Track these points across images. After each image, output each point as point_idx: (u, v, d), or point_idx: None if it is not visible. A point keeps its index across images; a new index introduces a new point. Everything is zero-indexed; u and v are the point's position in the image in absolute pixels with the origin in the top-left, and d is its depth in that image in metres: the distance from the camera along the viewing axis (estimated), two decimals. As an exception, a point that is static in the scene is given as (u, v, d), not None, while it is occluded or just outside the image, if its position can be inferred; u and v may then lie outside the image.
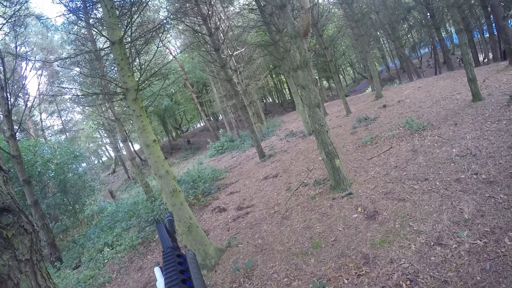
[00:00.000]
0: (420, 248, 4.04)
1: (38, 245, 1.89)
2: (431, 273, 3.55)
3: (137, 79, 6.09)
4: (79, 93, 16.39)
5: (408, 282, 3.56)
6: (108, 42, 6.09)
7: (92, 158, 50.56)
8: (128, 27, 6.43)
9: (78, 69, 15.92)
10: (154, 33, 9.89)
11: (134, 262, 7.98)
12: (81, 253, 10.17)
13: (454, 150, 6.57)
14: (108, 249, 9.11)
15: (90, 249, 9.90)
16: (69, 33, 13.79)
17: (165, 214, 1.10)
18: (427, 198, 5.14)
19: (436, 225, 4.36)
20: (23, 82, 21.06)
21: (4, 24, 10.48)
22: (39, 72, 25.82)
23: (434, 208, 4.79)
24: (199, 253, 5.84)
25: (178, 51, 32.59)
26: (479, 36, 30.85)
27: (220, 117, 44.30)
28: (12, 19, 11.01)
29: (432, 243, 4.04)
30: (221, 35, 15.88)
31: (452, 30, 34.23)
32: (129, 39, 6.77)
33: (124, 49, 5.89)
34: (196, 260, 0.84)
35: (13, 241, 1.70)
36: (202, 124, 50.45)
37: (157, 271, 0.81)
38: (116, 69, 14.01)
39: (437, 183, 5.50)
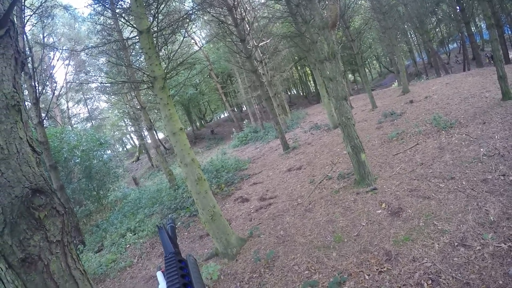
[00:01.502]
0: (443, 248, 3.96)
1: (69, 227, 1.91)
2: (453, 274, 3.48)
3: (163, 68, 6.14)
4: (105, 82, 16.71)
5: (430, 282, 3.50)
6: (136, 32, 6.16)
7: (117, 145, 51.65)
8: (155, 17, 6.48)
9: (104, 59, 16.21)
10: (180, 23, 9.93)
11: (156, 248, 8.14)
12: (103, 237, 10.40)
13: (481, 149, 6.37)
14: (130, 234, 9.32)
15: (113, 233, 10.12)
16: (96, 23, 14.00)
17: (167, 221, 1.12)
18: (453, 197, 5.02)
19: (461, 225, 4.26)
20: (51, 71, 21.59)
21: (31, 15, 10.71)
22: (67, 61, 26.45)
23: (459, 208, 4.67)
24: (221, 242, 5.90)
25: (203, 41, 32.70)
26: (510, 32, 29.66)
27: (244, 108, 44.42)
28: (39, 10, 11.26)
29: (456, 244, 3.96)
30: (247, 25, 15.83)
31: (482, 25, 33.02)
32: (156, 29, 6.83)
33: (151, 38, 5.95)
34: (197, 265, 0.87)
35: (45, 222, 1.72)
36: (226, 115, 50.67)
37: (160, 276, 0.85)
38: (141, 59, 14.28)
39: (463, 183, 5.36)
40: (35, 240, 1.66)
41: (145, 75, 6.19)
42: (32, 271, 1.63)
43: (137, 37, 6.33)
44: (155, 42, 6.29)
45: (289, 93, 49.96)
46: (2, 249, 1.57)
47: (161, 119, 7.78)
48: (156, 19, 6.61)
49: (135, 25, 6.05)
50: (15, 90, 1.82)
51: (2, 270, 1.60)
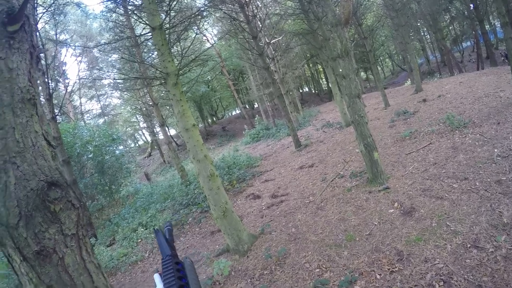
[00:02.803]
0: (456, 249, 3.91)
1: (84, 220, 1.91)
2: (466, 276, 3.44)
3: (176, 64, 6.16)
4: (118, 78, 16.83)
5: (442, 283, 3.46)
6: (148, 28, 6.19)
7: (129, 141, 51.84)
8: (168, 13, 6.50)
9: (116, 55, 16.31)
10: (192, 20, 9.94)
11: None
12: (115, 232, 10.51)
13: (495, 150, 6.24)
14: (142, 229, 9.40)
15: (125, 228, 10.20)
16: (108, 20, 14.07)
17: (164, 224, 1.13)
18: (466, 198, 4.94)
19: (474, 226, 4.19)
20: (63, 68, 21.86)
21: (44, 13, 10.83)
22: (79, 58, 26.72)
23: (472, 209, 4.60)
24: (233, 238, 5.92)
25: (215, 38, 32.75)
26: (525, 30, 29.03)
27: (256, 105, 44.33)
28: (51, 8, 11.39)
29: (468, 245, 3.89)
30: (259, 22, 15.80)
31: (497, 23, 32.39)
32: (168, 26, 6.85)
33: (164, 35, 5.97)
34: (194, 267, 0.87)
35: (60, 215, 1.73)
36: (237, 112, 50.69)
37: (157, 278, 0.84)
38: (153, 55, 14.33)
39: (477, 183, 5.27)
40: (50, 233, 1.66)
41: (158, 72, 6.22)
42: (47, 263, 1.63)
43: (149, 34, 6.38)
44: (167, 38, 6.32)
45: (301, 91, 49.74)
46: (17, 242, 1.58)
47: (174, 115, 7.82)
48: (169, 16, 6.63)
49: (147, 22, 6.08)
50: (30, 84, 1.83)
51: (16, 262, 1.61)
